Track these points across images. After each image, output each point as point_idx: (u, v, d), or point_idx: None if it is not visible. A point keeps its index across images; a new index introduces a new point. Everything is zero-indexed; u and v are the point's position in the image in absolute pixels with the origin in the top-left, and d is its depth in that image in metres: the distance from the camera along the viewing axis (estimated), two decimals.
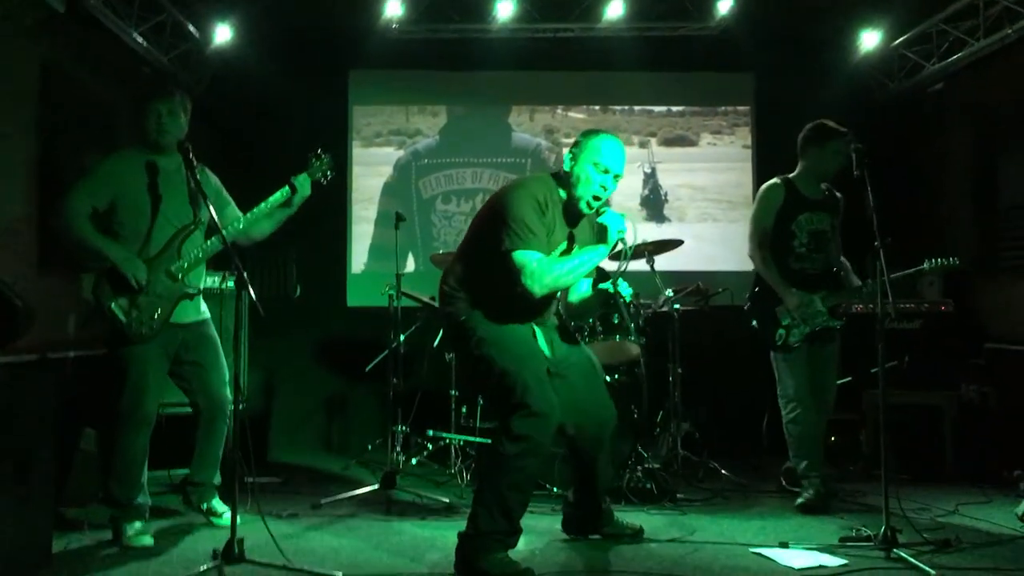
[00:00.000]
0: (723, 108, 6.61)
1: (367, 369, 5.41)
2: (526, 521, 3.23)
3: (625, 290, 3.39)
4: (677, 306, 4.93)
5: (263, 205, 3.72)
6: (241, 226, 3.70)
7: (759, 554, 3.40)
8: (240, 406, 3.37)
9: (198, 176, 3.46)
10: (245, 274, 3.15)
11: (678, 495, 4.29)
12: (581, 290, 3.56)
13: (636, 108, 6.60)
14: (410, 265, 6.32)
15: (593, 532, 3.63)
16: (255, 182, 3.88)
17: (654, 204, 6.52)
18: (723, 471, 4.84)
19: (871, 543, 3.38)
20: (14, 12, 4.19)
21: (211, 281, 4.31)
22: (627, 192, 6.43)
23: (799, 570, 3.20)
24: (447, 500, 4.21)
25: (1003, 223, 5.45)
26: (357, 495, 4.30)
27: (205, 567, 3.04)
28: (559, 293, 3.45)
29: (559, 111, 6.61)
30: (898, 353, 4.91)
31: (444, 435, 4.95)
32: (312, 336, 6.22)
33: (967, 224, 5.83)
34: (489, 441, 3.49)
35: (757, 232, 4.32)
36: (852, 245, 4.43)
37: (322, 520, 3.93)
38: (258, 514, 3.43)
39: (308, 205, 3.84)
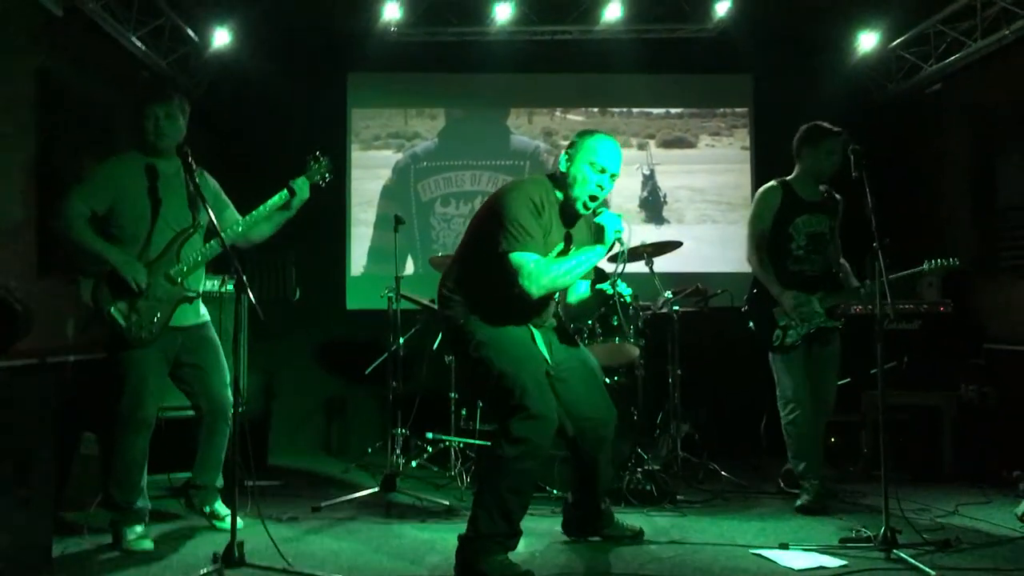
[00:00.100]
0: (721, 110, 6.62)
1: (367, 372, 5.41)
2: (526, 523, 3.23)
3: (625, 290, 3.40)
4: (676, 307, 4.94)
5: (262, 208, 3.73)
6: (240, 229, 3.70)
7: (759, 555, 3.40)
8: (240, 409, 3.37)
9: (197, 179, 3.47)
10: (244, 277, 3.16)
11: (678, 496, 4.29)
12: (579, 291, 3.57)
13: (634, 110, 6.60)
14: (409, 268, 6.32)
15: (593, 534, 3.63)
16: (254, 185, 3.89)
17: (653, 206, 6.52)
18: (723, 472, 4.84)
19: (871, 544, 3.38)
20: (12, 16, 4.19)
21: (210, 284, 4.31)
22: (626, 194, 6.44)
23: (799, 571, 3.20)
24: (447, 503, 4.21)
25: (1001, 223, 5.45)
26: (357, 498, 4.29)
27: (205, 571, 3.03)
28: (557, 295, 3.45)
29: (558, 113, 6.62)
30: (897, 354, 4.91)
31: (444, 438, 4.94)
32: (311, 339, 6.23)
33: (966, 224, 5.83)
34: (489, 444, 3.49)
35: (754, 235, 4.32)
36: (851, 246, 4.43)
37: (322, 523, 3.93)
38: (258, 517, 3.43)
39: (307, 208, 3.84)
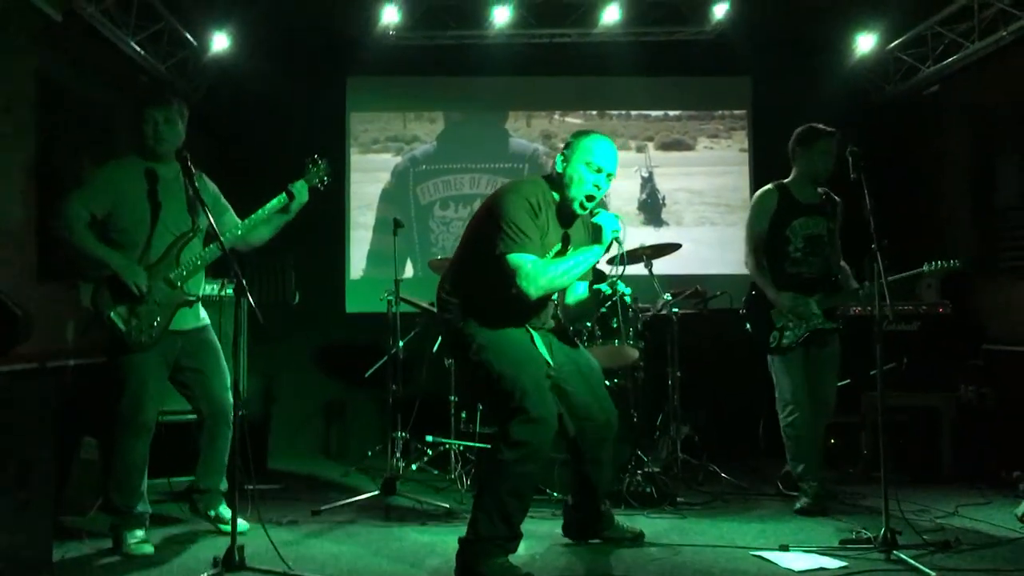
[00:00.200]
0: (720, 112, 6.62)
1: (366, 375, 5.41)
2: (526, 526, 3.23)
3: (624, 291, 3.40)
4: (675, 309, 4.94)
5: (261, 212, 3.73)
6: (239, 233, 3.71)
7: (759, 557, 3.40)
8: (240, 412, 3.37)
9: (196, 183, 3.47)
10: (244, 281, 3.16)
11: (678, 498, 4.29)
12: (577, 292, 3.56)
13: (633, 113, 6.61)
14: (408, 271, 6.33)
15: (593, 536, 3.63)
16: (253, 189, 3.90)
17: (651, 208, 6.53)
18: (723, 474, 4.84)
19: (871, 545, 3.38)
20: (12, 17, 4.19)
21: (210, 288, 4.32)
22: (625, 196, 6.45)
23: (799, 572, 3.20)
24: (447, 506, 4.21)
25: (1001, 224, 5.46)
26: (357, 501, 4.29)
27: (206, 575, 3.04)
28: (556, 296, 3.46)
29: (556, 116, 6.62)
30: (896, 355, 4.91)
31: (444, 441, 4.94)
32: (311, 342, 6.23)
33: (965, 225, 5.84)
34: (488, 447, 3.49)
35: (751, 238, 4.33)
36: (850, 247, 4.43)
37: (322, 527, 3.93)
38: (258, 521, 3.43)
39: (306, 211, 3.85)
